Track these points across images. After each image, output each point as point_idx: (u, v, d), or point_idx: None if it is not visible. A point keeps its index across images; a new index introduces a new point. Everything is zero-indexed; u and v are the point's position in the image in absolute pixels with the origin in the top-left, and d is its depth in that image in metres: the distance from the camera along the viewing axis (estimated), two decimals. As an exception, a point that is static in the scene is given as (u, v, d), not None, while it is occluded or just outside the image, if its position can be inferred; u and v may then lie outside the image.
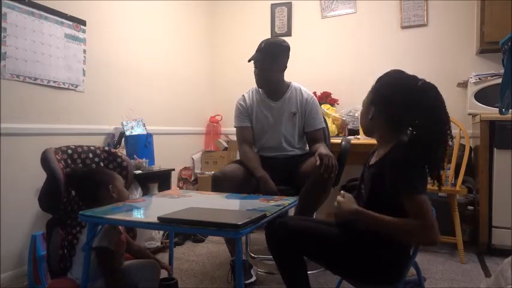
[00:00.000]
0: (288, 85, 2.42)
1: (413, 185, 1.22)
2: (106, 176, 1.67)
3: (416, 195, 1.21)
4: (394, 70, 1.42)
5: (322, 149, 2.13)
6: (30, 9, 2.30)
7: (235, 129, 2.48)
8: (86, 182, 1.65)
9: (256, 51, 2.31)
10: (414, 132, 1.33)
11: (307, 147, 2.43)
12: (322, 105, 3.40)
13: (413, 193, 1.21)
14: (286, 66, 2.39)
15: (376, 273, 1.29)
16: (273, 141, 2.39)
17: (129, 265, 1.65)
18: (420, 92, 1.30)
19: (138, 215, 1.50)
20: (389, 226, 1.22)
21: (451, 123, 2.78)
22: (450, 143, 1.30)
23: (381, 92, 1.38)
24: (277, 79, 2.36)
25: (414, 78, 1.35)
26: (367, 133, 1.50)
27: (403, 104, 1.32)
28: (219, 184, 2.12)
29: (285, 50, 2.35)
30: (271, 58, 2.29)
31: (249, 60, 2.31)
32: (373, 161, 1.42)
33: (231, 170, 2.23)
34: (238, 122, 2.43)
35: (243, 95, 2.46)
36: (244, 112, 2.42)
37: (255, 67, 2.32)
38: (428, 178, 1.32)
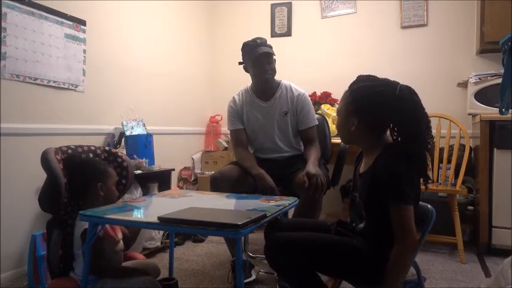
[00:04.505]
0: (278, 84, 2.39)
1: (401, 195, 1.23)
2: (98, 173, 1.66)
3: (402, 205, 1.23)
4: (365, 77, 1.40)
5: (311, 165, 2.09)
6: (30, 9, 2.30)
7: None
8: (77, 174, 1.65)
9: (259, 47, 2.27)
10: (398, 137, 1.33)
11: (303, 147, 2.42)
12: (322, 105, 3.40)
13: (400, 203, 1.23)
14: None
15: (376, 273, 1.29)
16: (267, 142, 2.38)
17: (132, 280, 1.60)
18: (399, 99, 1.30)
19: (138, 215, 1.50)
20: (394, 274, 1.24)
21: (452, 123, 2.79)
22: (431, 141, 1.32)
23: (361, 103, 1.35)
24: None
25: (390, 84, 1.34)
26: (348, 142, 1.50)
27: (384, 112, 1.33)
28: (217, 184, 2.14)
29: None
30: (272, 49, 2.32)
31: (261, 54, 2.25)
32: (362, 169, 1.42)
33: (228, 170, 2.25)
34: (231, 125, 2.42)
35: (234, 97, 2.44)
36: (235, 114, 2.40)
37: (262, 65, 2.27)
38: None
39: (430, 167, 1.49)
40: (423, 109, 1.32)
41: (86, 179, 1.64)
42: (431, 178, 1.41)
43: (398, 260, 1.24)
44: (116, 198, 1.74)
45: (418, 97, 1.32)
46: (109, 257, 1.61)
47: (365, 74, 1.43)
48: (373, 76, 1.40)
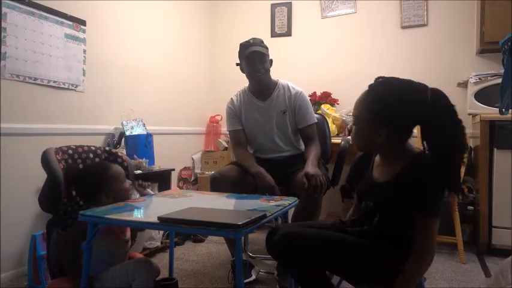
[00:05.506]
0: (275, 83, 2.38)
1: (436, 211, 1.22)
2: (101, 182, 1.63)
3: (433, 221, 1.23)
4: (386, 80, 1.31)
5: (310, 165, 2.09)
6: (30, 9, 2.30)
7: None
8: (82, 185, 1.66)
9: (251, 46, 2.26)
10: (429, 145, 1.26)
11: (303, 146, 2.42)
12: (322, 105, 3.40)
13: (432, 218, 1.22)
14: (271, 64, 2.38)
15: (376, 273, 1.29)
16: (267, 142, 2.38)
17: (124, 264, 1.62)
18: (432, 106, 1.23)
19: (138, 215, 1.50)
20: (409, 282, 1.24)
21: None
22: (466, 149, 1.27)
23: (390, 113, 1.25)
24: (269, 74, 2.36)
25: (420, 89, 1.26)
26: (367, 151, 1.43)
27: (417, 121, 1.27)
28: (216, 184, 2.14)
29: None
30: (267, 49, 2.32)
31: (252, 53, 2.25)
32: (382, 176, 1.35)
33: (227, 170, 2.25)
34: (230, 125, 2.42)
35: (232, 98, 2.44)
36: (234, 115, 2.40)
37: (253, 64, 2.26)
38: None
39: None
40: (457, 114, 1.24)
41: (91, 192, 1.64)
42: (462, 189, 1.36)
43: (416, 269, 1.24)
44: (129, 194, 1.72)
45: (450, 101, 1.25)
46: (117, 258, 1.61)
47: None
48: (396, 78, 1.30)
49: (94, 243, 1.47)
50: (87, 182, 1.64)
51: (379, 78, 1.33)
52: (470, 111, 2.82)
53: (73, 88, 2.60)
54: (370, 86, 1.32)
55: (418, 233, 1.23)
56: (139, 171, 2.59)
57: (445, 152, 1.22)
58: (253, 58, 2.25)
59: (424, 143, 1.27)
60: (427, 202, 1.22)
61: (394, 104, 1.26)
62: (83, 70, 2.66)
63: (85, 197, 1.67)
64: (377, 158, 1.43)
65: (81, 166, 1.75)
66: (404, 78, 1.32)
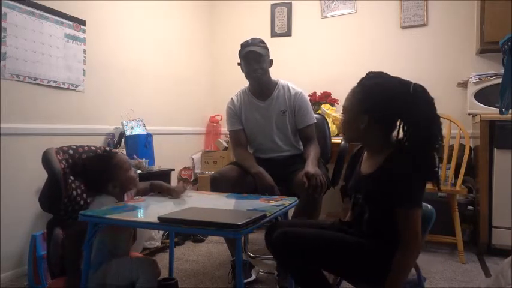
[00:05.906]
0: (275, 83, 2.39)
1: (413, 200, 1.23)
2: (106, 171, 1.62)
3: (413, 210, 1.23)
4: (376, 74, 1.38)
5: (310, 165, 2.09)
6: (30, 9, 2.30)
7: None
8: (87, 176, 1.66)
9: (248, 46, 2.27)
10: (408, 136, 1.30)
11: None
12: (322, 105, 3.40)
13: (411, 208, 1.23)
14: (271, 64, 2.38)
15: (379, 273, 1.29)
16: (267, 142, 2.38)
17: (129, 260, 1.62)
18: (413, 97, 1.28)
19: (138, 215, 1.50)
20: (399, 276, 1.25)
21: (451, 123, 2.78)
22: (441, 141, 1.29)
23: (373, 100, 1.32)
24: (269, 74, 2.36)
25: (404, 82, 1.32)
26: (353, 141, 1.48)
27: (397, 110, 1.31)
28: (216, 184, 2.14)
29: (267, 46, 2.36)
30: (266, 49, 2.31)
31: (247, 53, 2.25)
32: (368, 169, 1.39)
33: (227, 170, 2.25)
34: (230, 125, 2.42)
35: (232, 98, 2.44)
36: (234, 115, 2.40)
37: (250, 64, 2.26)
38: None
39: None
40: (435, 109, 1.29)
41: (97, 182, 1.63)
42: (440, 179, 1.39)
43: (403, 262, 1.24)
44: (135, 182, 1.71)
45: (431, 97, 1.29)
46: (120, 250, 1.61)
47: (363, 74, 1.41)
48: (385, 73, 1.37)
49: (99, 233, 1.47)
50: (92, 172, 1.64)
51: (369, 73, 1.40)
52: (470, 111, 2.82)
53: (73, 88, 2.60)
54: (361, 79, 1.40)
55: (400, 223, 1.24)
56: (139, 171, 2.59)
57: (421, 142, 1.26)
58: (249, 58, 2.25)
59: (400, 133, 1.32)
60: (404, 191, 1.23)
61: (376, 92, 1.33)
62: (83, 70, 2.66)
63: (92, 188, 1.65)
64: (366, 153, 1.46)
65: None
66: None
